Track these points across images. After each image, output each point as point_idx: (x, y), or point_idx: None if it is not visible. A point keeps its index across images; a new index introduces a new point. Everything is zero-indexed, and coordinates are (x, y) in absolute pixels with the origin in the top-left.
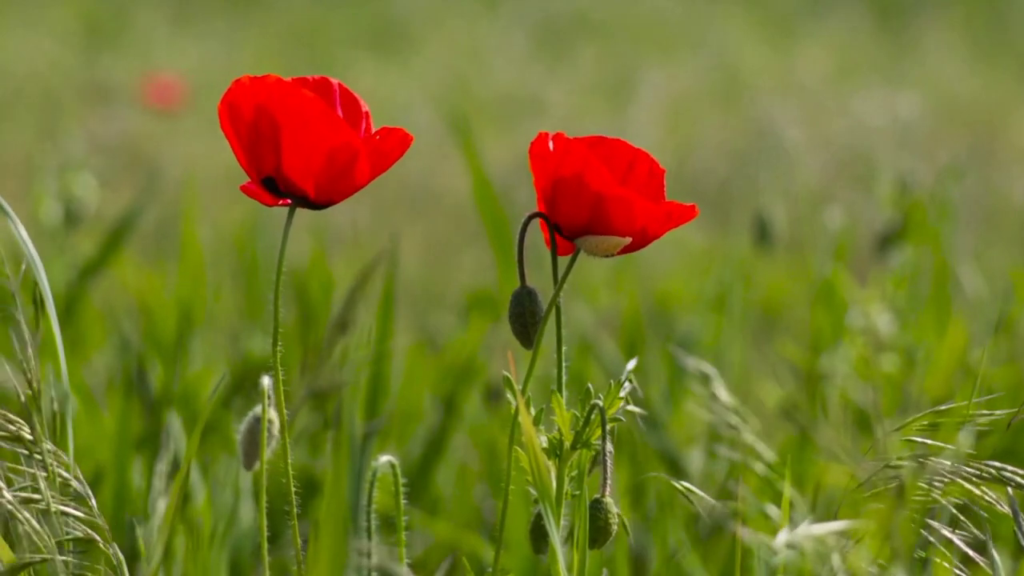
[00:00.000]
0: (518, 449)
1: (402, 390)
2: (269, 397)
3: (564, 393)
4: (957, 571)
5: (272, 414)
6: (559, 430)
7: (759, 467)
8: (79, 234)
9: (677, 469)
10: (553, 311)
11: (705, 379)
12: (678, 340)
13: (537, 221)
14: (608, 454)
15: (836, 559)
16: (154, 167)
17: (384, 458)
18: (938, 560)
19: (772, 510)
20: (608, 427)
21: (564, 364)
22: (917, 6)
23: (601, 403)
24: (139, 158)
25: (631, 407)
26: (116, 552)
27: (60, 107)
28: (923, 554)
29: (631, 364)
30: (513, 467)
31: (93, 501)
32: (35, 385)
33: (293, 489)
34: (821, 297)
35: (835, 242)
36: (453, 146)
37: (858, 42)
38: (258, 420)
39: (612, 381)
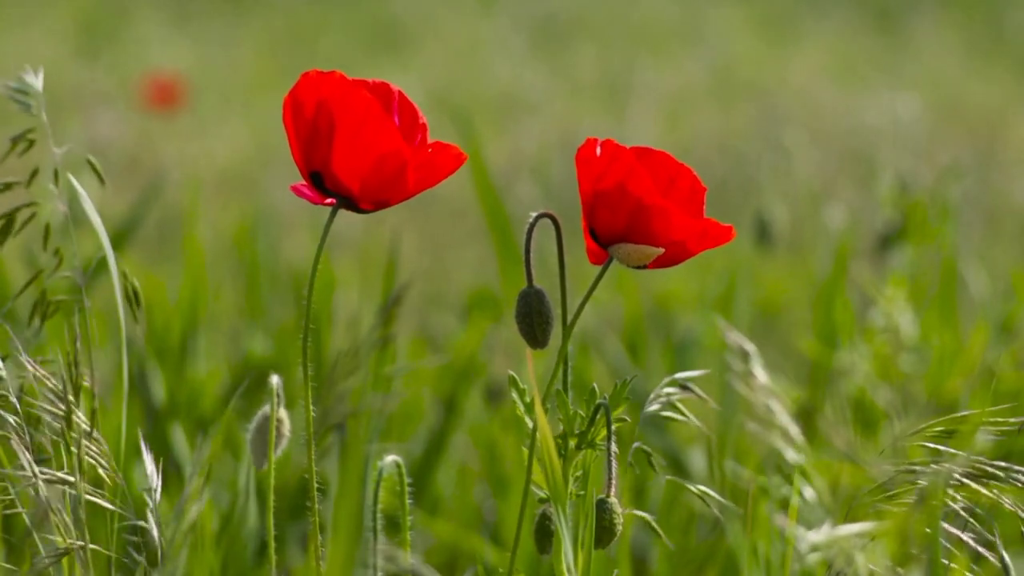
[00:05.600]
0: (526, 449)
1: (402, 390)
2: (278, 396)
3: (570, 393)
4: (971, 572)
5: (282, 413)
6: (564, 430)
7: (790, 453)
8: (81, 235)
9: (680, 469)
10: (565, 313)
11: (745, 356)
12: (679, 340)
13: (545, 222)
14: (613, 454)
15: (860, 559)
16: (155, 169)
17: (389, 458)
18: (952, 564)
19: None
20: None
21: (568, 364)
22: (915, 6)
23: (606, 403)
24: (137, 159)
25: (679, 415)
26: (163, 544)
27: (58, 108)
28: (936, 556)
29: (692, 374)
30: (518, 467)
31: (159, 494)
32: (77, 379)
33: (315, 488)
34: (825, 296)
35: (837, 241)
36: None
37: (856, 42)
38: (267, 419)
39: (617, 381)
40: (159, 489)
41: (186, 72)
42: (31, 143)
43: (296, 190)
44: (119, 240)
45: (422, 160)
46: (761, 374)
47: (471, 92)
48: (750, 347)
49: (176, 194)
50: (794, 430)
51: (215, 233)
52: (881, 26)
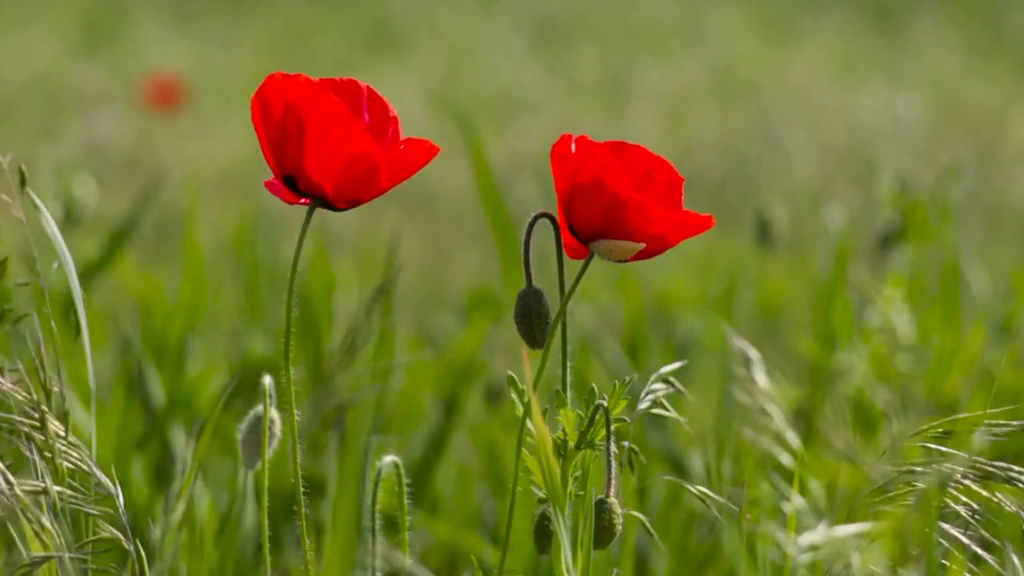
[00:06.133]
0: (524, 450)
1: (403, 390)
2: (271, 396)
3: (569, 393)
4: (970, 573)
5: (274, 414)
6: (563, 430)
7: (785, 458)
8: (78, 235)
9: (680, 469)
10: (561, 311)
11: (747, 361)
12: (680, 341)
13: (543, 221)
14: (612, 454)
15: (856, 559)
16: (155, 169)
17: (388, 458)
18: (951, 564)
19: (786, 507)
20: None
21: (567, 364)
22: (915, 6)
23: (605, 403)
24: (137, 159)
25: (660, 410)
26: (139, 548)
27: (58, 107)
28: (935, 556)
29: (672, 367)
30: (518, 468)
31: (121, 499)
32: (47, 384)
33: (301, 490)
34: (825, 296)
35: (837, 241)
36: (451, 145)
37: (856, 41)
38: (259, 420)
39: (616, 381)
40: (121, 496)
41: (186, 72)
42: None
43: (270, 187)
44: (118, 240)
45: (394, 158)
46: (762, 380)
47: (470, 92)
48: (753, 353)
49: (176, 194)
50: (791, 436)
51: (215, 233)
52: (881, 26)
